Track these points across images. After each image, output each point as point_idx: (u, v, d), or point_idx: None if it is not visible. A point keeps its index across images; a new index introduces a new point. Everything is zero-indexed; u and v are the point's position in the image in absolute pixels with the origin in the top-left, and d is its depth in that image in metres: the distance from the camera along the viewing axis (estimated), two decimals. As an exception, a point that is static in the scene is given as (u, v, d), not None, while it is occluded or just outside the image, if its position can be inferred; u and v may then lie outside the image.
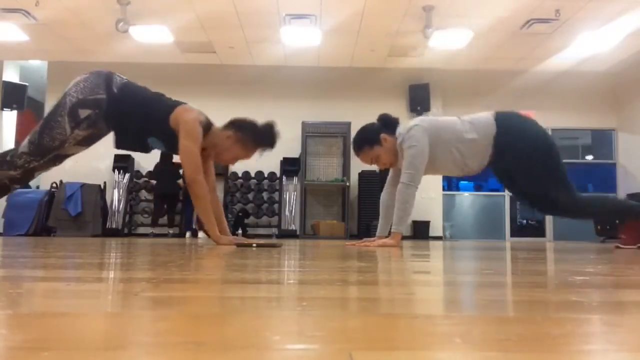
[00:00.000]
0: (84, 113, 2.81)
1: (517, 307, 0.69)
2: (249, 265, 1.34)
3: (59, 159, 3.02)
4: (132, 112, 2.86)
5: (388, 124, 3.20)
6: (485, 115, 3.10)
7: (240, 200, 9.15)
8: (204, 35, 8.22)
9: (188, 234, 8.46)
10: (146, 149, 3.04)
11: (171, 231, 8.59)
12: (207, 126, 2.92)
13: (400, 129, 3.16)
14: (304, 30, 7.88)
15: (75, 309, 0.62)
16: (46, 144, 2.82)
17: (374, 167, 3.48)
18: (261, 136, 2.98)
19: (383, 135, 3.15)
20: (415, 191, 3.04)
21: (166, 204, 8.59)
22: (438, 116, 3.33)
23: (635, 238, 3.24)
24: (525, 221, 10.67)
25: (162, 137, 2.89)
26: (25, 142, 2.86)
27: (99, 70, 2.93)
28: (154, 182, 8.74)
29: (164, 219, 8.68)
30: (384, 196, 3.31)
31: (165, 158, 8.35)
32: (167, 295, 0.75)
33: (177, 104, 2.91)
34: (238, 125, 2.98)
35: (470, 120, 3.08)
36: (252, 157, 3.07)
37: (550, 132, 3.24)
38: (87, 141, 2.99)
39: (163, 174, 8.45)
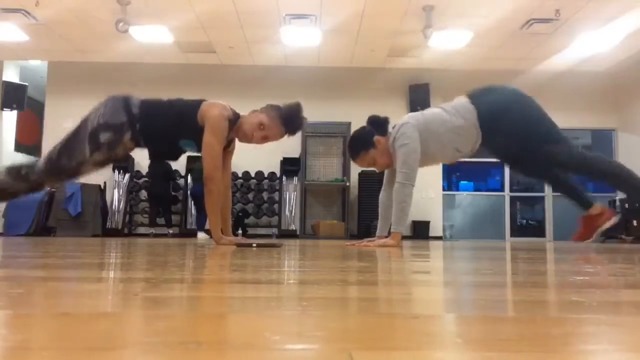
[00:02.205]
0: (104, 137, 2.84)
1: (517, 307, 0.69)
2: (249, 265, 1.34)
3: (74, 176, 3.06)
4: (159, 122, 2.90)
5: (378, 125, 3.21)
6: (462, 101, 3.12)
7: (240, 200, 9.14)
8: (204, 35, 8.21)
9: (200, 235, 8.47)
10: (178, 154, 3.08)
11: (170, 231, 8.59)
12: (235, 119, 2.95)
13: (390, 129, 3.18)
14: (304, 30, 7.88)
15: (75, 309, 0.62)
16: (63, 164, 2.85)
17: (374, 168, 3.48)
18: (286, 110, 2.97)
19: (376, 138, 3.16)
20: (412, 189, 3.05)
21: (160, 204, 8.61)
22: (423, 111, 3.32)
23: (591, 231, 3.26)
24: (525, 221, 10.67)
25: (193, 137, 2.90)
26: (43, 159, 2.88)
27: (115, 96, 2.95)
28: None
29: (162, 219, 8.69)
30: (382, 196, 3.31)
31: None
32: (167, 295, 0.75)
33: (201, 101, 2.94)
34: (265, 106, 3.01)
35: (452, 108, 3.10)
36: (279, 139, 3.03)
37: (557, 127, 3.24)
38: (104, 163, 3.02)
39: (154, 175, 8.48)
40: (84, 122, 2.88)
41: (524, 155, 3.19)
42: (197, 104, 2.91)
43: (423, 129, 3.06)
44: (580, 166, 3.10)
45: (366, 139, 3.18)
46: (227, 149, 3.05)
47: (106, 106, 2.89)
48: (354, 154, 3.25)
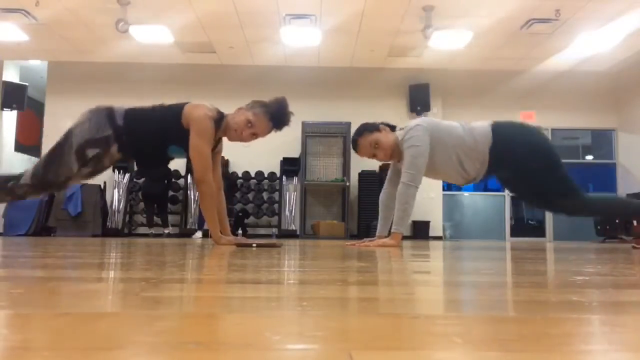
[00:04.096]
0: (91, 152, 2.83)
1: (517, 307, 0.69)
2: (249, 265, 1.33)
3: (61, 189, 3.06)
4: (145, 131, 2.88)
5: (387, 124, 3.24)
6: (483, 124, 3.11)
7: (240, 200, 9.14)
8: (204, 35, 8.22)
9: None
10: (167, 161, 3.07)
11: (166, 231, 8.57)
12: (219, 118, 2.93)
13: (400, 128, 3.18)
14: (304, 30, 7.88)
15: (75, 309, 0.62)
16: (51, 179, 2.84)
17: (374, 168, 3.48)
18: (272, 105, 2.95)
19: (382, 126, 3.19)
20: (416, 191, 3.04)
21: (156, 204, 8.59)
22: (439, 119, 3.32)
23: None
24: (525, 221, 10.65)
25: (180, 142, 2.88)
26: (29, 173, 2.85)
27: (99, 108, 2.92)
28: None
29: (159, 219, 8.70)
30: (382, 196, 3.31)
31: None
32: (167, 295, 0.75)
33: (183, 104, 2.92)
34: (250, 103, 2.99)
35: (470, 127, 3.10)
36: (267, 135, 3.00)
37: (550, 132, 3.25)
38: (92, 175, 3.00)
39: (148, 174, 8.46)
40: (68, 137, 2.84)
41: (530, 195, 3.20)
42: (180, 107, 2.88)
43: (434, 135, 3.05)
44: (584, 214, 3.12)
45: (372, 125, 3.21)
46: (215, 149, 3.02)
47: (90, 120, 2.85)
48: (358, 134, 3.21)
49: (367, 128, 3.20)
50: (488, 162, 3.05)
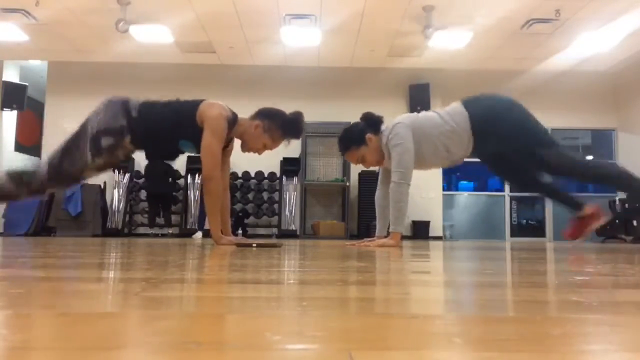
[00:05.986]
0: (106, 142, 2.85)
1: (517, 307, 0.69)
2: (249, 265, 1.34)
3: (76, 181, 3.07)
4: (158, 124, 2.91)
5: (372, 123, 3.23)
6: (455, 105, 3.16)
7: (240, 200, 9.14)
8: (204, 35, 8.21)
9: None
10: (176, 155, 3.10)
11: (170, 230, 8.57)
12: (233, 119, 2.97)
13: (383, 128, 3.19)
14: (304, 30, 7.88)
15: (75, 309, 0.62)
16: (66, 168, 2.85)
17: (374, 168, 3.50)
18: (288, 126, 3.04)
19: (368, 136, 3.18)
20: (408, 188, 3.06)
21: (160, 204, 8.59)
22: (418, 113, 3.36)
23: (581, 231, 3.36)
24: (525, 221, 10.66)
25: (192, 137, 2.91)
26: (44, 163, 2.87)
27: (115, 99, 2.95)
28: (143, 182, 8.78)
29: (161, 220, 8.69)
30: (377, 196, 3.33)
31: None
32: (167, 295, 0.75)
33: (199, 101, 2.95)
34: (266, 115, 3.04)
35: (446, 112, 3.14)
36: (277, 147, 3.12)
37: (550, 132, 3.29)
38: (105, 167, 3.03)
39: (153, 173, 8.46)
40: (84, 127, 2.87)
41: (515, 162, 3.22)
42: (195, 104, 2.92)
43: (416, 129, 3.09)
44: (572, 169, 3.13)
45: (358, 135, 3.21)
46: (226, 148, 3.05)
47: (106, 110, 2.89)
48: (344, 149, 3.29)
49: (353, 141, 3.22)
50: (473, 137, 3.08)
